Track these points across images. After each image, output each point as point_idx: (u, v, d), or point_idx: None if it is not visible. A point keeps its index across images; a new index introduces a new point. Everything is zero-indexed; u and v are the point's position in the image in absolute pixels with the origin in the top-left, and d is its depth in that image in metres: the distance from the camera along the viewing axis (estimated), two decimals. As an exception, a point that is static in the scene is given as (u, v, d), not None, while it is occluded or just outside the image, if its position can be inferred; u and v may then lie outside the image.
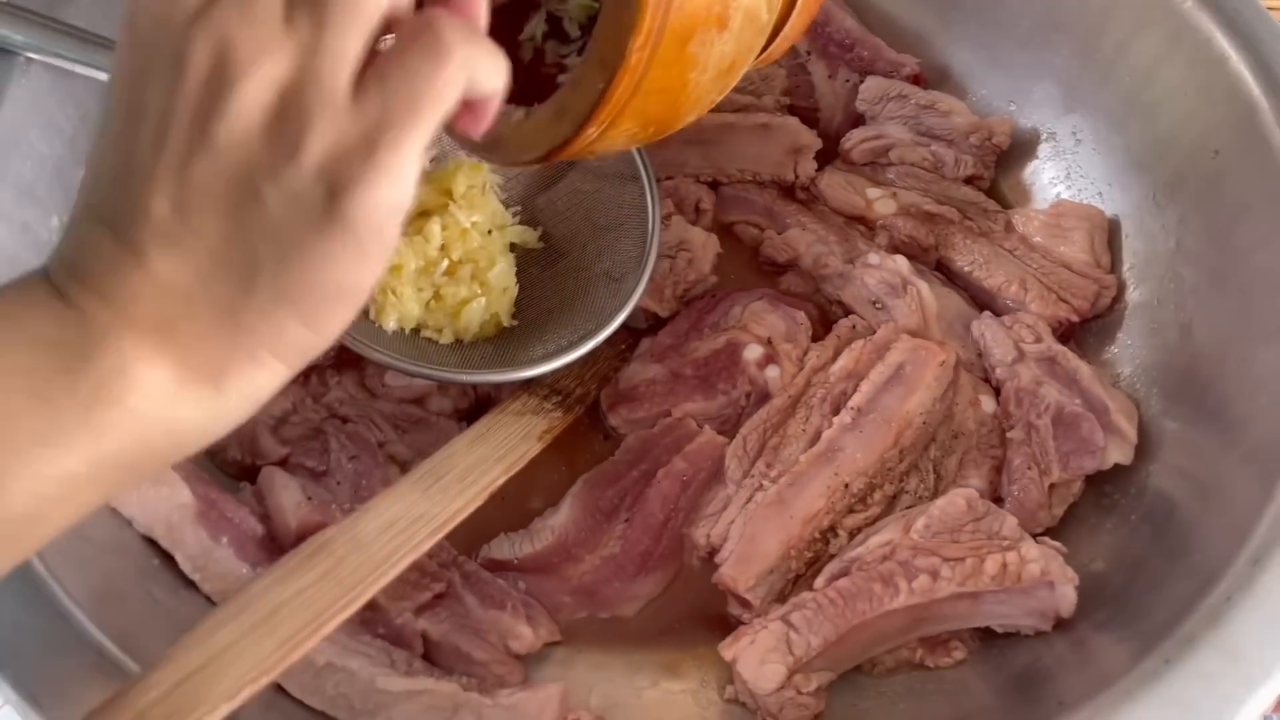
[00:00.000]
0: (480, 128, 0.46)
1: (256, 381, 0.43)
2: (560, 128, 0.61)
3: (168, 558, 0.71)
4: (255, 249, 0.41)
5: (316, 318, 0.43)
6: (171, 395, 0.42)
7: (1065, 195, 0.91)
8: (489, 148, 0.67)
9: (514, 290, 0.83)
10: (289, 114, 0.40)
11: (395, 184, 0.41)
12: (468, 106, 0.45)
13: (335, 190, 0.40)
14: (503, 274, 0.82)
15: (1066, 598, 0.68)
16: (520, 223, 0.87)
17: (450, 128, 0.46)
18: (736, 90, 0.96)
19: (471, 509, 0.68)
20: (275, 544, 0.74)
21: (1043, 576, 0.68)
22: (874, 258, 0.88)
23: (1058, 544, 0.71)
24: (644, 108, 0.62)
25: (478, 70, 0.42)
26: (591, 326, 0.79)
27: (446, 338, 0.81)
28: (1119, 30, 0.86)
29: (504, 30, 0.75)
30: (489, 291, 0.81)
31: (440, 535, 0.65)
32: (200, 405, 0.43)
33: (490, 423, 0.76)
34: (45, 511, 0.41)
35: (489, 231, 0.83)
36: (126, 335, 0.41)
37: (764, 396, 0.84)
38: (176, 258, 0.41)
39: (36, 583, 0.58)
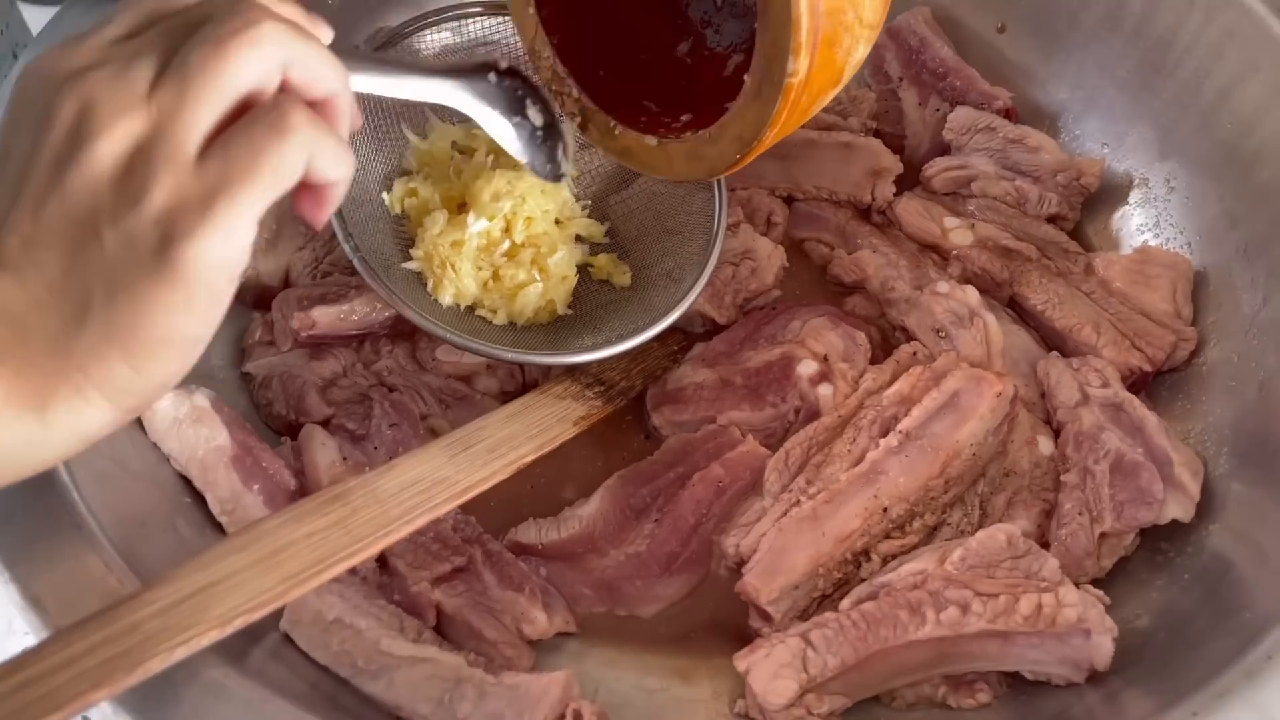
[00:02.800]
0: (321, 215, 0.51)
1: (83, 417, 0.45)
2: (729, 149, 0.67)
3: (199, 498, 0.72)
4: (90, 286, 0.43)
5: (143, 362, 0.44)
6: None
7: (1154, 243, 0.88)
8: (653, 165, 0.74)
9: (573, 280, 0.83)
10: (137, 167, 0.43)
11: (225, 240, 0.44)
12: (309, 190, 0.49)
13: (168, 238, 0.43)
14: (563, 262, 0.82)
15: (1102, 648, 0.65)
16: (589, 217, 0.87)
17: (296, 210, 0.50)
18: (824, 110, 0.96)
19: (495, 481, 0.68)
20: (305, 499, 0.75)
21: (1079, 623, 0.65)
22: (944, 286, 0.86)
23: (1100, 592, 0.67)
24: (791, 122, 0.67)
25: (320, 155, 0.46)
26: (645, 322, 0.79)
27: (500, 319, 0.81)
28: (1223, 76, 0.83)
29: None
30: (547, 278, 0.81)
31: (459, 501, 0.65)
32: (22, 431, 0.44)
33: (529, 401, 0.75)
34: None
35: (556, 221, 0.83)
36: None
37: (813, 414, 0.82)
38: (16, 286, 0.43)
39: (59, 490, 0.59)
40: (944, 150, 0.96)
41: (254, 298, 0.88)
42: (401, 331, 0.85)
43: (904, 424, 0.77)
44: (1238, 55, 0.82)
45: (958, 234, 0.90)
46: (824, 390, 0.82)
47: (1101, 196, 0.91)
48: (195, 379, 0.80)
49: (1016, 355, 0.84)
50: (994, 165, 0.92)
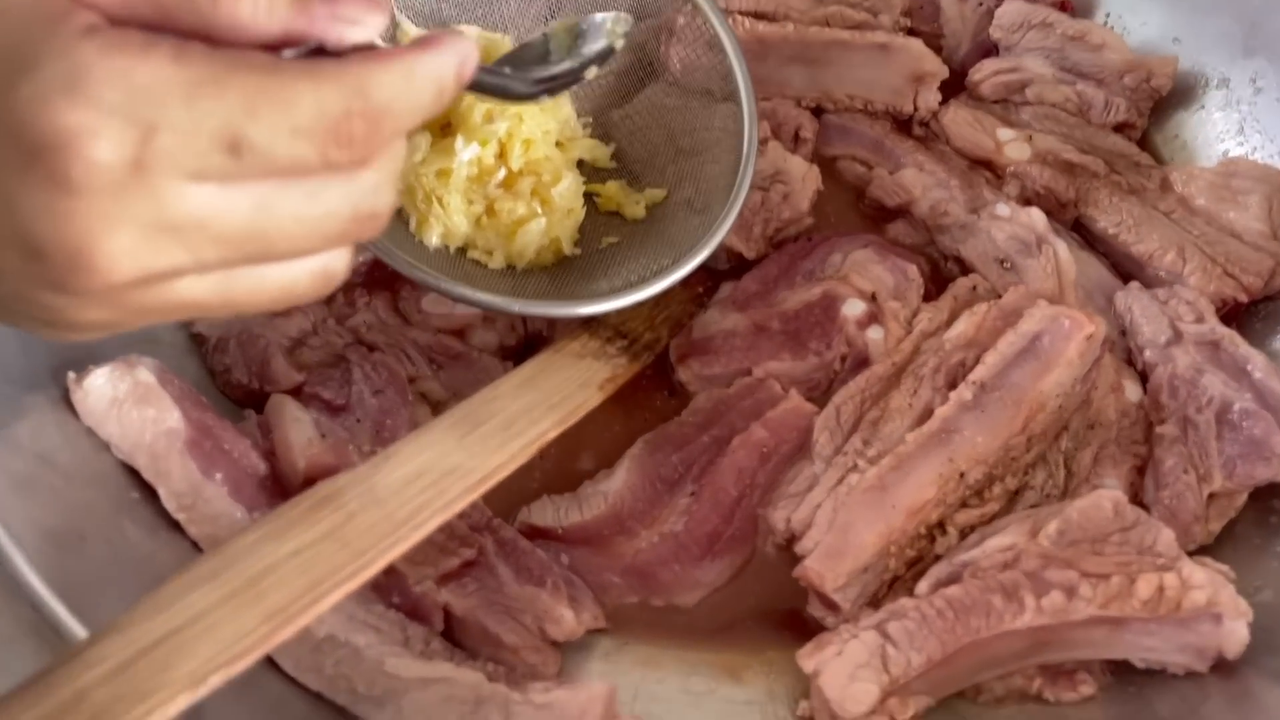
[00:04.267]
0: None
1: None
2: None
3: (149, 491, 0.60)
4: None
5: None
6: None
7: (1237, 153, 0.77)
8: None
9: (580, 214, 0.71)
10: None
11: None
12: None
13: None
14: (569, 193, 0.69)
15: (1235, 635, 0.56)
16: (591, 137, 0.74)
17: None
18: (850, 4, 0.84)
19: (515, 465, 0.56)
20: (278, 486, 0.63)
21: (1208, 607, 0.56)
22: (1004, 209, 0.75)
23: (1224, 567, 0.58)
24: None
25: None
26: (666, 262, 0.67)
27: (497, 261, 0.68)
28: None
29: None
30: (551, 211, 0.69)
31: (476, 494, 0.54)
32: None
33: (543, 364, 0.64)
34: None
35: (557, 144, 0.71)
36: None
37: (863, 361, 0.72)
38: None
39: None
40: (989, 51, 0.84)
41: (200, 243, 0.74)
42: (380, 279, 0.73)
43: (977, 373, 0.66)
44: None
45: (1013, 147, 0.79)
46: (873, 334, 0.72)
47: (1172, 99, 0.81)
48: (135, 344, 0.67)
49: (1089, 287, 0.74)
50: (1051, 67, 0.81)
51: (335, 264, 0.42)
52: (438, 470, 0.53)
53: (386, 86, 0.38)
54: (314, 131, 0.37)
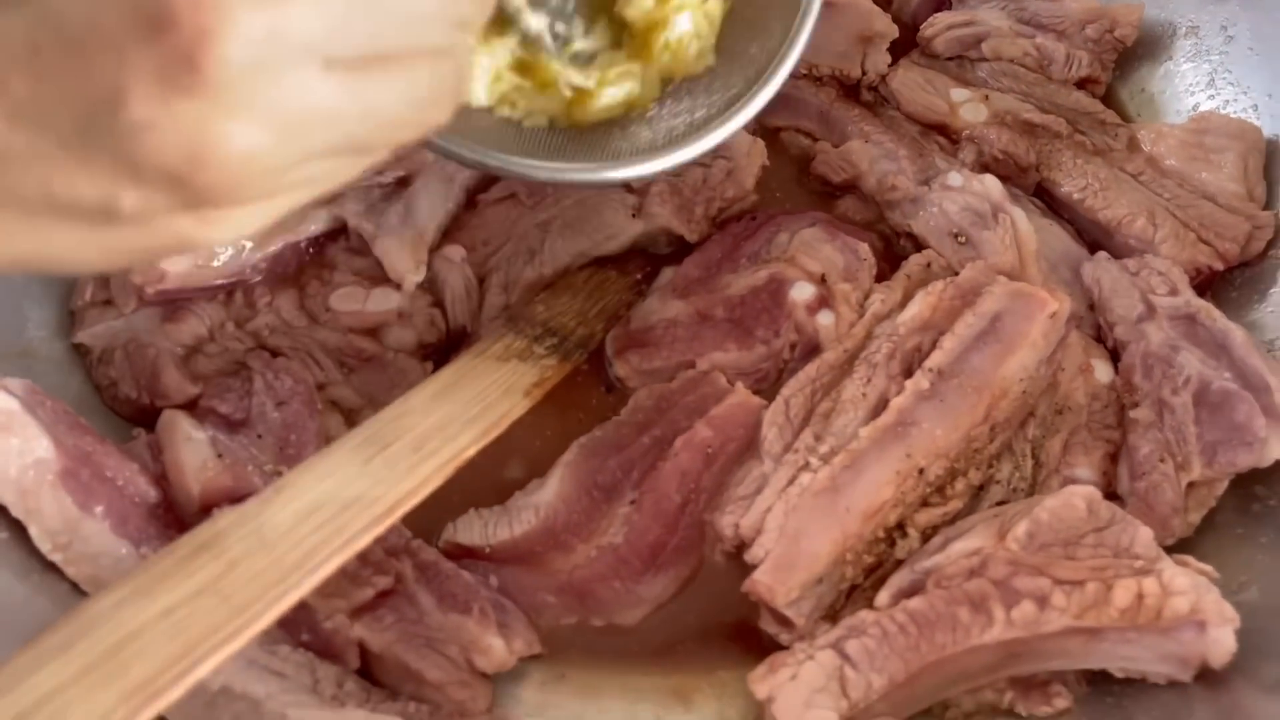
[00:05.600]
0: None
1: None
2: None
3: (20, 530, 0.54)
4: None
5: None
6: None
7: (1208, 108, 0.73)
8: None
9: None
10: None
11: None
12: None
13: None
14: None
15: (1221, 644, 0.51)
16: None
17: None
18: (792, -40, 0.77)
19: (428, 490, 0.51)
20: (171, 515, 0.57)
21: (1191, 615, 0.51)
22: (956, 178, 0.69)
23: (1206, 567, 0.53)
24: None
25: None
26: (720, 101, 0.59)
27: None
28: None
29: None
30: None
31: (381, 527, 0.48)
32: None
33: (462, 370, 0.58)
34: None
35: None
36: None
37: (813, 348, 0.67)
38: None
39: None
40: (939, 5, 0.79)
41: (82, 243, 0.67)
42: (284, 274, 0.66)
43: (934, 359, 0.61)
44: None
45: (969, 109, 0.73)
46: (824, 319, 0.67)
47: (1138, 50, 0.76)
48: (8, 360, 0.61)
49: (1054, 258, 0.69)
50: (1008, 19, 0.76)
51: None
52: (337, 502, 0.47)
53: None
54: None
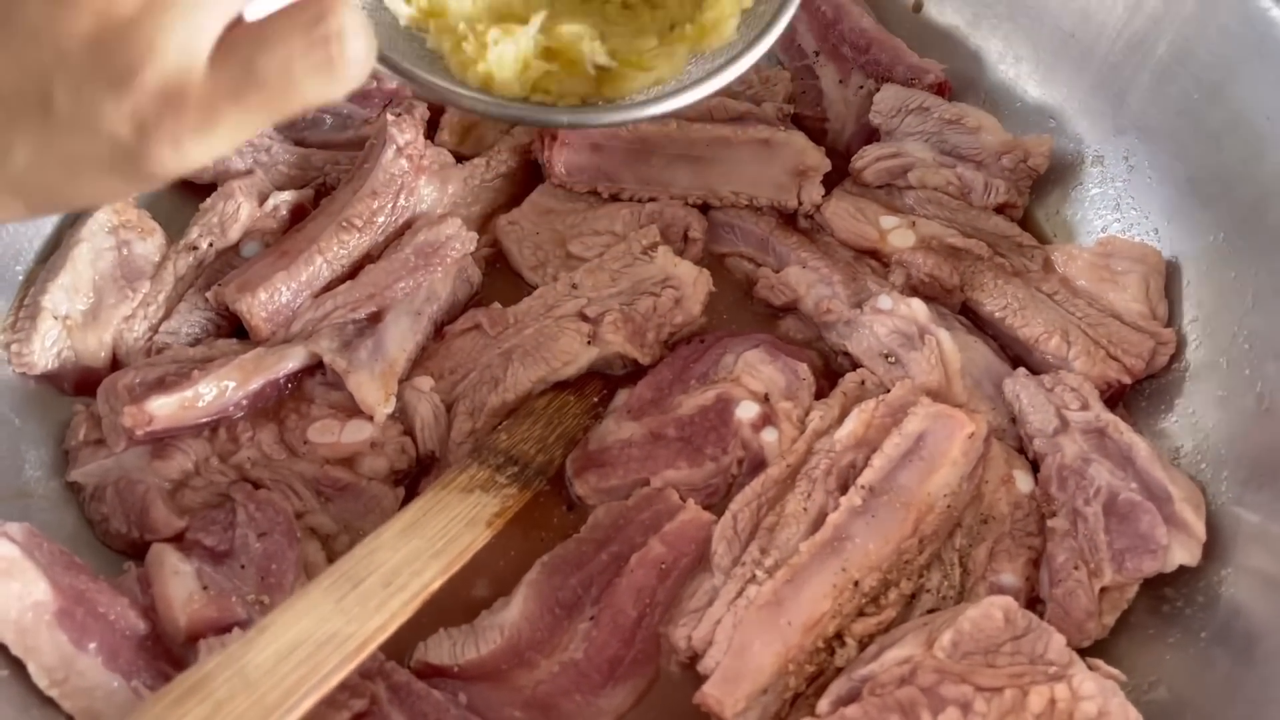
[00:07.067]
0: None
1: None
2: None
3: (19, 666, 0.57)
4: (12, 138, 0.38)
5: (45, 209, 0.44)
6: None
7: (1115, 230, 0.79)
8: None
9: None
10: (133, 38, 0.37)
11: (209, 152, 0.39)
12: None
13: (146, 136, 0.37)
14: None
15: (1127, 745, 0.56)
16: None
17: None
18: (734, 94, 0.84)
19: (398, 624, 0.55)
20: (160, 646, 0.61)
21: (1099, 718, 0.55)
22: (885, 301, 0.75)
23: (1114, 671, 0.58)
24: None
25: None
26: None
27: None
28: (1174, 32, 0.73)
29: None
30: None
31: (355, 662, 0.53)
32: None
33: (428, 504, 0.62)
34: None
35: None
36: None
37: (758, 464, 0.71)
38: None
39: None
40: (872, 135, 0.85)
41: (74, 383, 0.72)
42: (264, 409, 0.71)
43: (865, 477, 0.66)
44: (1190, 4, 0.72)
45: (897, 235, 0.79)
46: (768, 435, 0.72)
47: (1051, 177, 0.81)
48: (6, 500, 0.65)
49: (977, 373, 0.74)
50: (931, 150, 0.81)
51: None
52: (313, 641, 0.51)
53: None
54: None
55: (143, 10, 0.36)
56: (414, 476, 0.72)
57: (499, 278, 0.82)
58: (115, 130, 0.37)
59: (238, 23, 0.39)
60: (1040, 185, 0.81)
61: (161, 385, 0.68)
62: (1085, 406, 0.69)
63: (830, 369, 0.77)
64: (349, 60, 0.38)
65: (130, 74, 0.36)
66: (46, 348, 0.70)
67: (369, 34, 0.39)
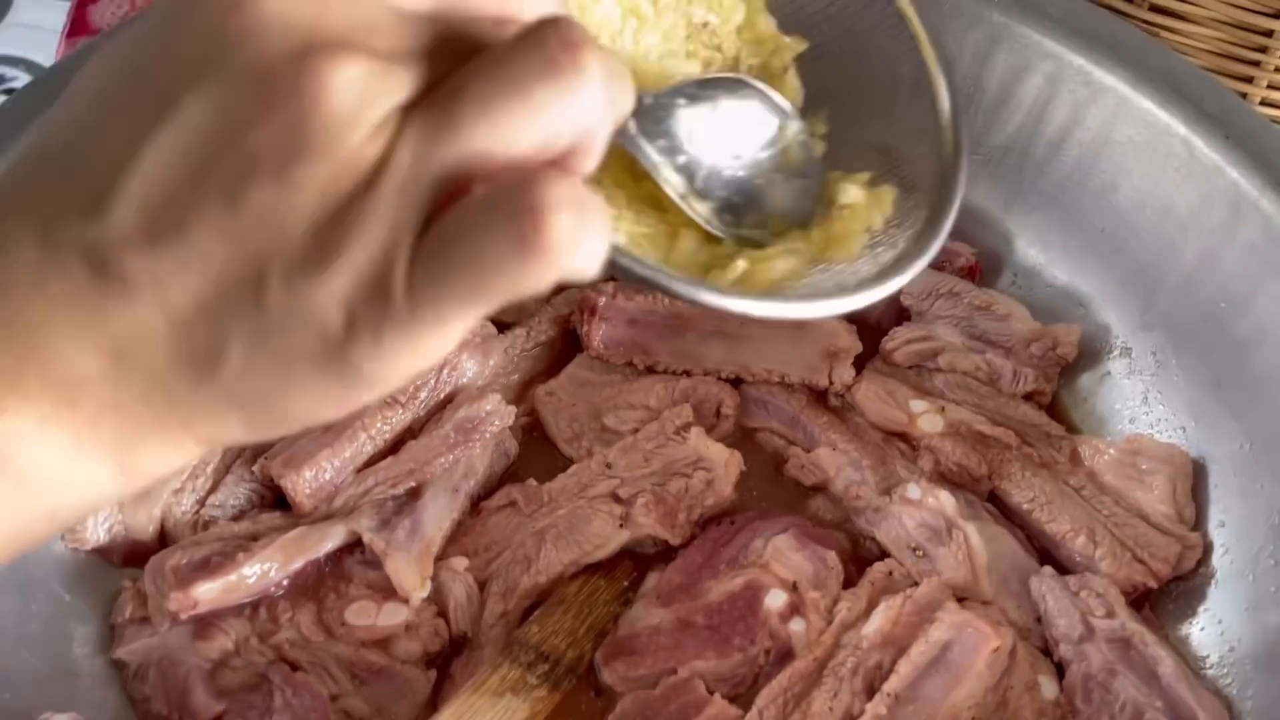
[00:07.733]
0: None
1: (168, 463, 0.37)
2: None
3: None
4: (228, 336, 0.34)
5: (263, 429, 0.37)
6: (61, 466, 0.35)
7: (1143, 422, 0.79)
8: None
9: None
10: (347, 213, 0.32)
11: (425, 356, 0.34)
12: None
13: (354, 330, 0.33)
14: None
15: None
16: None
17: None
18: (768, 272, 0.86)
19: None
20: (195, 840, 0.62)
21: None
22: (914, 491, 0.76)
23: None
24: None
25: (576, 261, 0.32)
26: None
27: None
28: (1201, 242, 0.75)
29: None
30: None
31: None
32: (90, 479, 0.36)
33: (458, 711, 0.64)
34: None
35: None
36: (31, 382, 0.34)
37: (785, 654, 0.72)
38: (123, 301, 0.33)
39: None
40: (903, 313, 0.86)
41: (122, 555, 0.74)
42: (304, 587, 0.73)
43: (891, 684, 0.67)
44: (1220, 214, 0.73)
45: (926, 420, 0.80)
46: (795, 626, 0.73)
47: (1080, 363, 0.83)
48: (55, 679, 0.67)
49: (1005, 568, 0.75)
50: (961, 335, 0.83)
51: None
52: None
53: None
54: None
55: (364, 184, 0.32)
56: (446, 658, 0.73)
57: (535, 446, 0.83)
58: (325, 317, 0.33)
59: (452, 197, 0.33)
60: (1069, 370, 0.83)
61: (207, 567, 0.70)
62: (1111, 614, 0.70)
63: (858, 552, 0.78)
64: (551, 241, 0.31)
65: (341, 253, 0.32)
66: (99, 523, 0.73)
67: (585, 211, 0.32)
